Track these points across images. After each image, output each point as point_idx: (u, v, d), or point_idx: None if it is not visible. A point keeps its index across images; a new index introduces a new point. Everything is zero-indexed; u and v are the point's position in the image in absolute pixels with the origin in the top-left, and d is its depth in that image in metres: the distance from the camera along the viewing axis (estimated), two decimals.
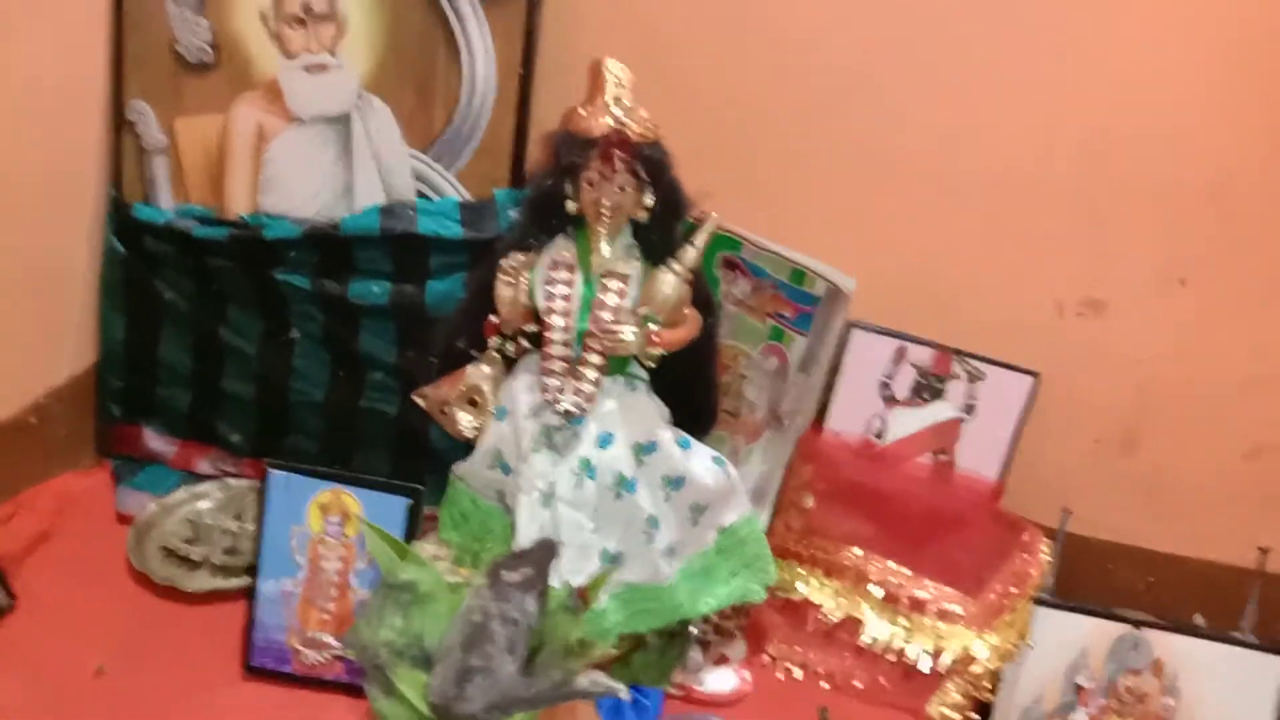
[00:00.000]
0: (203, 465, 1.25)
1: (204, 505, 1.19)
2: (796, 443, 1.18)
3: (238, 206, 1.16)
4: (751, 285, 1.15)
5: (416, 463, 1.14)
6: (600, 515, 0.94)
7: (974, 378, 1.12)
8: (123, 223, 1.19)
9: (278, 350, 1.19)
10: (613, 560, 0.95)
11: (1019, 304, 1.14)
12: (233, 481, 1.22)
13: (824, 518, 1.13)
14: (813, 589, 1.10)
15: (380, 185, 1.13)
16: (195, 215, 1.16)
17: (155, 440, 1.26)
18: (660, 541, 0.95)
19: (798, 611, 1.11)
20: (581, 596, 0.80)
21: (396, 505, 0.96)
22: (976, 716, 1.05)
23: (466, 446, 1.08)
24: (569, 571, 0.94)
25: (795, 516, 1.14)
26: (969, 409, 1.13)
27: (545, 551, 0.82)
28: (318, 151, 1.14)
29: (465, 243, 1.11)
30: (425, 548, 0.81)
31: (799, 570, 1.11)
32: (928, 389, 1.13)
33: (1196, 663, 1.14)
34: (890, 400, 1.14)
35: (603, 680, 0.61)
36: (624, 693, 0.62)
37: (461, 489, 1.03)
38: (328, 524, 0.97)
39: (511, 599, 0.75)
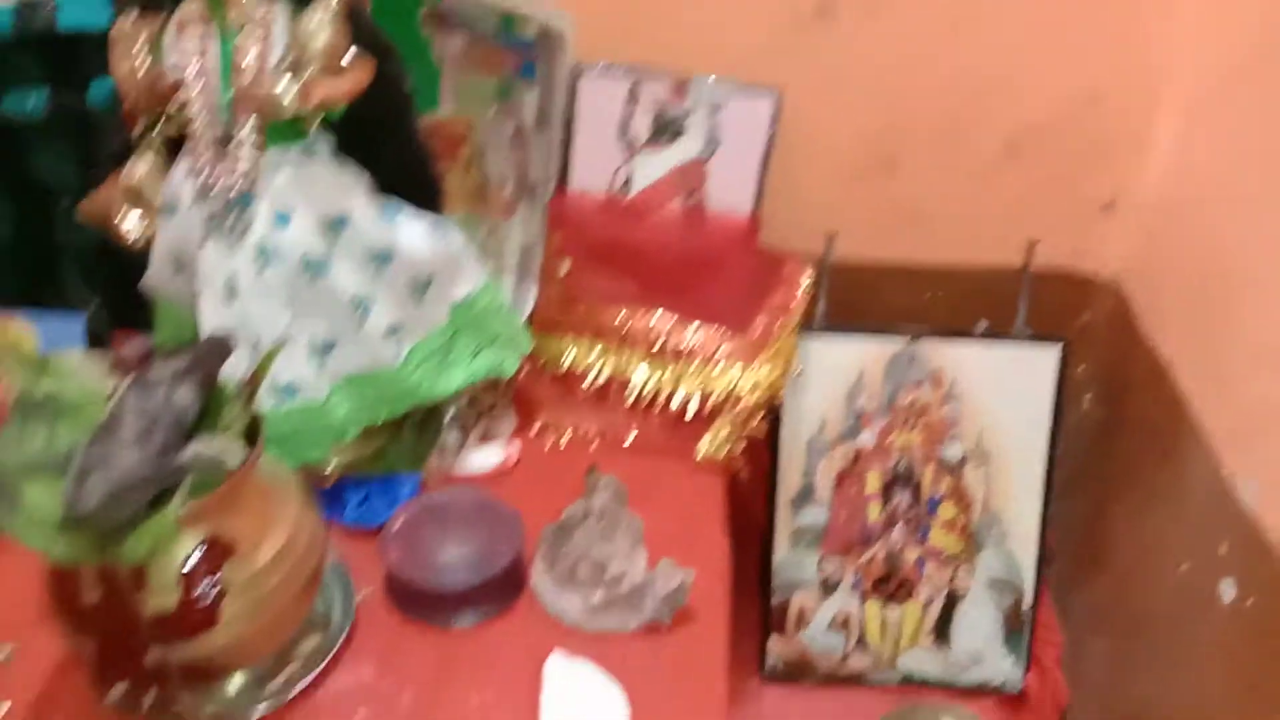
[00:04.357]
0: None
1: None
2: (544, 209, 1.10)
3: None
4: (465, 40, 1.03)
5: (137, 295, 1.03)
6: (297, 303, 0.86)
7: (714, 109, 1.04)
8: None
9: None
10: (326, 350, 0.88)
11: (755, 15, 1.04)
12: None
13: (581, 282, 1.07)
14: (580, 355, 1.05)
15: None
16: None
17: None
18: (376, 323, 0.88)
19: (569, 381, 1.07)
20: (251, 381, 0.73)
21: (75, 326, 0.86)
22: (744, 444, 1.02)
23: None
24: (281, 370, 0.87)
25: (552, 286, 1.08)
26: (712, 145, 1.06)
27: (212, 345, 0.74)
28: None
29: None
30: None
31: (565, 339, 1.06)
32: (666, 128, 1.05)
33: (974, 366, 1.13)
34: (630, 147, 1.06)
35: (207, 453, 0.55)
36: (232, 459, 0.55)
37: (164, 306, 0.93)
38: None
39: (154, 392, 0.67)
